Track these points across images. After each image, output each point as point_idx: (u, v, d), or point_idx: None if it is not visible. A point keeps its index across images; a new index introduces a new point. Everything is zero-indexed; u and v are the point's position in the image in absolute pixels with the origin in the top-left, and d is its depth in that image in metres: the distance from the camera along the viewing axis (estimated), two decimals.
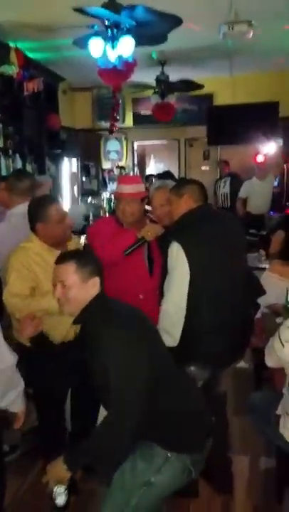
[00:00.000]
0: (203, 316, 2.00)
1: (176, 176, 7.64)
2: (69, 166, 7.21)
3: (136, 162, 8.31)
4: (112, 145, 7.85)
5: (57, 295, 1.69)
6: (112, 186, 7.78)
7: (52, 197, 2.41)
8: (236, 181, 6.86)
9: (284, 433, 1.92)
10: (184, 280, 1.98)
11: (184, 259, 1.97)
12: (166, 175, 5.91)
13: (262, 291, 2.29)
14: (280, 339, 1.81)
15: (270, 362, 1.95)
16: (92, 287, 1.68)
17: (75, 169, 7.44)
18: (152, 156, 9.16)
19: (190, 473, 1.63)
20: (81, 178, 7.67)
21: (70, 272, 1.66)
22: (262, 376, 2.88)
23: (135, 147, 8.20)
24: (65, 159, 6.90)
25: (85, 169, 7.72)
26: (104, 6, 3.50)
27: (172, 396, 1.64)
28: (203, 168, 8.14)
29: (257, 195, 6.41)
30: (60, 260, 1.72)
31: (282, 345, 1.79)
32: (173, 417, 1.63)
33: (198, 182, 2.28)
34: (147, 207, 2.69)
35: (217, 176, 7.74)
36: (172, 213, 2.21)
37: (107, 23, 3.60)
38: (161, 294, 2.10)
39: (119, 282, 2.29)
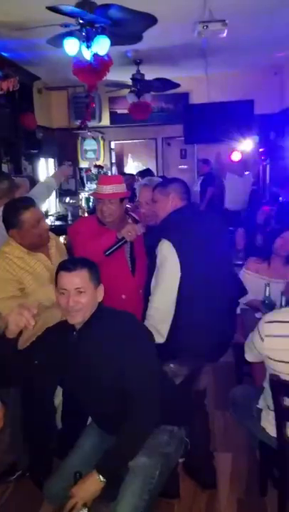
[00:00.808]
0: (192, 312, 2.03)
1: (155, 174, 7.69)
2: (46, 166, 7.13)
3: (114, 161, 8.29)
4: (89, 144, 7.81)
5: (71, 303, 1.66)
6: (90, 185, 7.75)
7: (26, 200, 2.34)
8: (209, 180, 6.93)
9: (266, 426, 1.95)
10: (174, 277, 2.01)
11: (175, 256, 1.99)
12: (146, 172, 5.92)
13: (244, 291, 2.33)
14: (260, 334, 1.83)
15: (249, 357, 1.98)
16: (100, 294, 1.74)
17: (52, 169, 7.36)
18: (130, 154, 9.16)
19: (187, 445, 1.87)
20: None
21: (86, 278, 1.69)
22: (243, 371, 2.92)
23: (113, 146, 8.18)
24: (42, 159, 6.83)
25: None
26: (79, 5, 3.48)
27: (162, 386, 1.78)
28: (180, 166, 8.19)
29: (235, 191, 6.49)
30: (72, 267, 1.69)
31: (262, 339, 1.82)
32: (167, 404, 1.77)
33: (182, 180, 2.30)
34: (129, 205, 2.69)
35: (195, 173, 7.82)
36: (158, 211, 2.22)
37: (81, 21, 3.57)
38: (146, 293, 2.11)
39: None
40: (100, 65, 3.63)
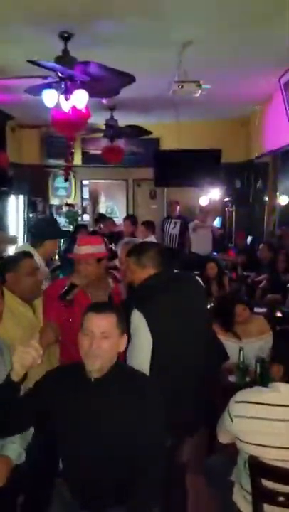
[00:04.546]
0: (167, 382, 1.97)
1: (125, 213, 7.78)
2: (16, 203, 7.06)
3: (86, 196, 8.35)
4: (61, 182, 7.84)
5: (94, 346, 1.57)
6: (59, 221, 7.73)
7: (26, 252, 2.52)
8: (186, 224, 7.08)
9: (237, 501, 1.92)
10: (144, 347, 1.97)
11: (146, 327, 1.97)
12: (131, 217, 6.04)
13: (226, 357, 2.34)
14: (229, 414, 1.80)
15: (222, 438, 1.92)
16: (122, 345, 1.68)
17: (21, 205, 7.30)
18: (103, 194, 9.26)
19: None
20: (28, 214, 7.56)
21: (113, 324, 1.63)
22: (215, 432, 2.88)
23: (85, 183, 8.24)
24: (12, 196, 6.77)
25: (31, 205, 7.63)
26: (58, 59, 3.57)
27: None
28: (151, 206, 8.35)
29: (200, 237, 6.67)
30: (101, 310, 1.64)
31: (231, 420, 1.79)
32: None
33: (157, 246, 2.29)
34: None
35: (164, 214, 7.96)
36: (134, 280, 2.20)
37: (61, 75, 3.65)
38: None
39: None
40: (78, 117, 3.69)
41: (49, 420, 1.70)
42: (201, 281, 2.44)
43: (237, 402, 1.79)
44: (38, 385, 1.73)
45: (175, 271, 2.44)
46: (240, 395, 1.81)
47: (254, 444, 1.72)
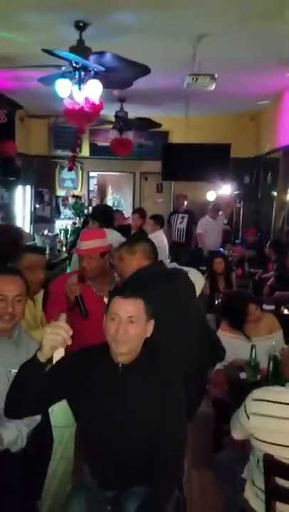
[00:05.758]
0: None
1: (131, 206, 7.76)
2: (23, 193, 7.04)
3: (92, 189, 8.31)
4: (68, 173, 7.80)
5: (121, 331, 1.55)
6: (65, 213, 7.75)
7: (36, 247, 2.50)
8: (193, 218, 7.04)
9: (249, 498, 1.92)
10: None
11: None
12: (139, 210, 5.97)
13: (221, 354, 2.32)
14: (246, 411, 1.79)
15: (236, 435, 1.92)
16: (149, 329, 1.65)
17: (28, 196, 7.29)
18: (110, 186, 9.22)
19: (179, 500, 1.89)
20: (34, 205, 7.55)
21: (141, 309, 1.61)
22: (222, 429, 2.88)
23: (92, 175, 8.21)
24: (19, 186, 6.75)
25: (38, 195, 7.62)
26: (73, 49, 3.53)
27: None
28: (157, 200, 8.31)
29: (210, 232, 6.64)
30: (129, 294, 1.61)
31: (248, 417, 1.78)
32: None
33: (149, 240, 2.29)
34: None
35: (170, 207, 7.92)
36: (123, 270, 2.19)
37: (75, 65, 3.61)
38: None
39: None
40: (91, 108, 3.66)
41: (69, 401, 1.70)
42: (202, 277, 2.39)
43: (254, 399, 1.78)
44: (61, 365, 1.70)
45: (173, 266, 2.43)
46: (257, 393, 1.80)
47: (269, 443, 1.72)
